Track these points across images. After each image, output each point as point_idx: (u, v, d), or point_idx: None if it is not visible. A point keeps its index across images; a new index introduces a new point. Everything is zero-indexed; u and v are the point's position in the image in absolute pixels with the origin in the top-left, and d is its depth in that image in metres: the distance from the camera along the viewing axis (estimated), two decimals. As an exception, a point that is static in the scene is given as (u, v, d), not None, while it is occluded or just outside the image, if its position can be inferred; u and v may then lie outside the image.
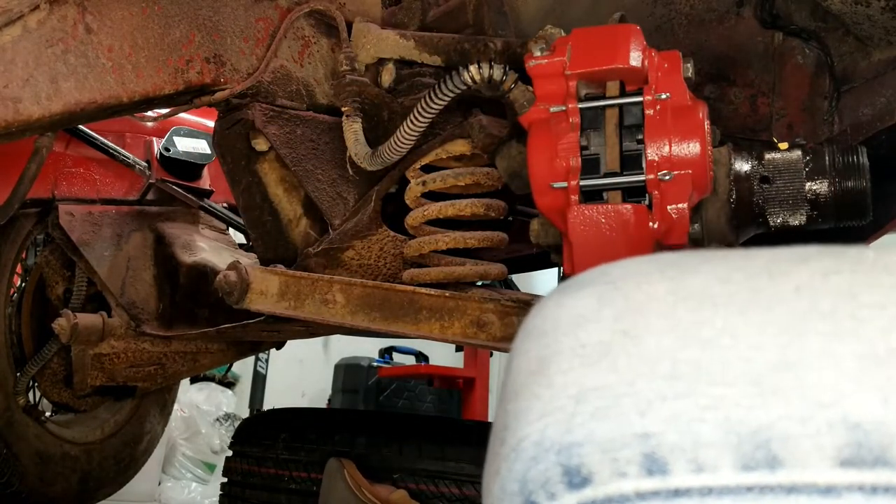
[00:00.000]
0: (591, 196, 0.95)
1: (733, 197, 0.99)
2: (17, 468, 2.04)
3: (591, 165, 0.96)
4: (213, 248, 1.92)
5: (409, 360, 5.58)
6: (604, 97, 0.97)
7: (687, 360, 0.33)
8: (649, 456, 0.31)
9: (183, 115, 1.99)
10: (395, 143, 1.17)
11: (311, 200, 1.31)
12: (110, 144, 1.97)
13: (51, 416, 2.23)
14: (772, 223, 0.99)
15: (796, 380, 0.31)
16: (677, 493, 0.31)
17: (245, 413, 4.49)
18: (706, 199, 0.98)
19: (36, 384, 2.13)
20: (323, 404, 5.36)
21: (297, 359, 5.49)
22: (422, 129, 1.16)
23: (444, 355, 5.80)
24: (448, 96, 1.11)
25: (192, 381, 4.29)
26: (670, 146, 0.93)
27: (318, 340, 5.58)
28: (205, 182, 2.11)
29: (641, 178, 0.93)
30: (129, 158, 1.99)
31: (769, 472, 0.30)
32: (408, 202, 1.27)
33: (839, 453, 0.29)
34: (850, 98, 1.12)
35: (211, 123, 1.48)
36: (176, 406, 3.10)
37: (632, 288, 0.37)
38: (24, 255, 2.12)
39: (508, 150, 1.17)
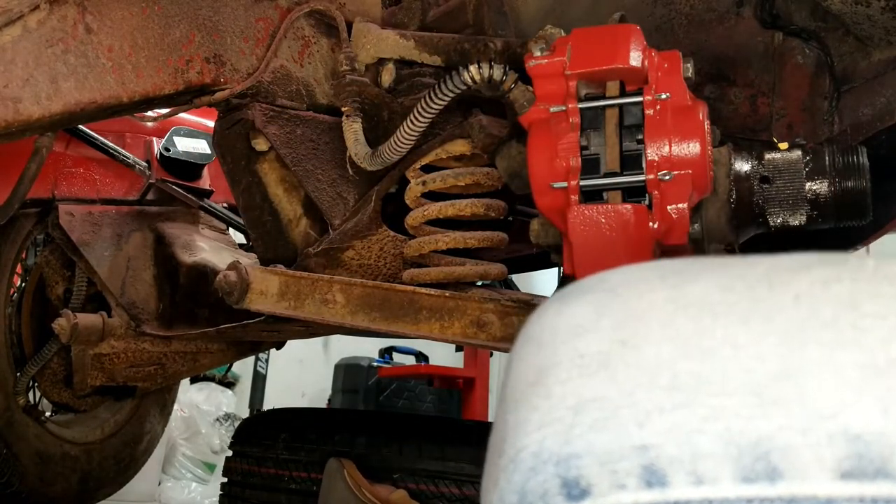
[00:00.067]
0: (591, 196, 0.95)
1: (733, 197, 0.99)
2: (17, 468, 2.04)
3: (591, 165, 0.96)
4: (213, 248, 1.92)
5: (409, 360, 5.58)
6: (604, 97, 0.97)
7: (686, 371, 0.32)
8: (648, 468, 0.31)
9: (183, 115, 1.99)
10: (395, 143, 1.17)
11: (311, 200, 1.31)
12: (110, 144, 1.97)
13: (51, 416, 2.23)
14: (772, 223, 0.99)
15: (797, 390, 0.31)
16: None
17: (245, 413, 4.49)
18: (706, 199, 0.98)
19: (36, 384, 2.13)
20: (323, 404, 5.36)
21: (297, 359, 5.49)
22: (422, 129, 1.16)
23: (444, 355, 5.80)
24: (448, 96, 1.11)
25: (192, 381, 4.29)
26: (670, 146, 0.93)
27: (318, 340, 5.58)
28: (205, 182, 2.11)
29: (641, 178, 0.93)
30: (129, 158, 1.99)
31: (769, 484, 0.30)
32: (408, 202, 1.27)
33: (840, 465, 0.29)
34: (850, 98, 1.12)
35: (211, 123, 1.48)
36: (176, 406, 3.10)
37: (631, 296, 0.36)
38: (24, 255, 2.12)
39: (508, 150, 1.17)
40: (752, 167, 0.99)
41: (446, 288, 1.20)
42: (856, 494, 0.29)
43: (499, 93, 1.10)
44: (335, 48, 1.36)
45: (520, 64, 1.03)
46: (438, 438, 1.76)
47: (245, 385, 4.96)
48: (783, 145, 1.00)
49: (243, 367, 4.89)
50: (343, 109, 1.25)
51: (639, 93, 0.95)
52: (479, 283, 1.33)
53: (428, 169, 1.25)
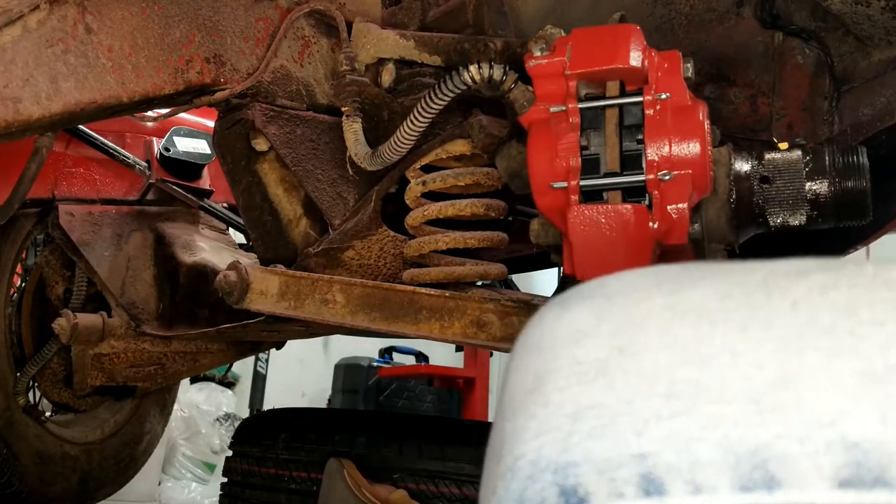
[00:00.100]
0: (591, 196, 0.95)
1: (733, 197, 0.99)
2: (17, 468, 2.04)
3: (591, 165, 0.96)
4: (213, 248, 1.92)
5: (409, 360, 5.58)
6: (604, 97, 0.97)
7: (685, 378, 0.32)
8: (646, 476, 0.31)
9: (183, 115, 1.99)
10: (395, 143, 1.17)
11: (311, 200, 1.31)
12: (110, 144, 1.97)
13: (51, 416, 2.23)
14: (772, 223, 0.99)
15: (795, 397, 0.31)
16: None
17: (245, 413, 4.49)
18: (706, 199, 0.98)
19: (36, 384, 2.13)
20: (323, 404, 5.36)
21: (297, 359, 5.49)
22: (422, 129, 1.16)
23: (444, 355, 5.80)
24: (448, 96, 1.11)
25: (192, 381, 4.29)
26: (670, 146, 0.93)
27: (318, 340, 5.58)
28: (205, 182, 2.11)
29: (641, 178, 0.93)
30: (129, 158, 1.99)
31: (767, 492, 0.30)
32: (408, 202, 1.27)
33: (838, 473, 0.29)
34: (850, 98, 1.12)
35: (211, 123, 1.48)
36: (176, 406, 3.10)
37: (629, 303, 0.36)
38: (24, 255, 2.12)
39: (508, 150, 1.17)
40: (752, 167, 0.99)
41: (446, 288, 1.20)
42: (854, 503, 0.29)
43: (499, 93, 1.10)
44: (335, 48, 1.36)
45: (520, 64, 1.03)
46: (438, 438, 1.76)
47: (245, 385, 4.96)
48: (783, 145, 1.00)
49: (243, 367, 4.89)
50: (343, 109, 1.25)
51: (639, 93, 0.95)
52: (479, 283, 1.33)
53: (428, 169, 1.25)
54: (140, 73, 1.15)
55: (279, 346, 2.28)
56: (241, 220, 1.83)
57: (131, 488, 2.56)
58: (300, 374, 5.62)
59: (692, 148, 0.93)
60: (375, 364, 5.23)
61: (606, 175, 0.95)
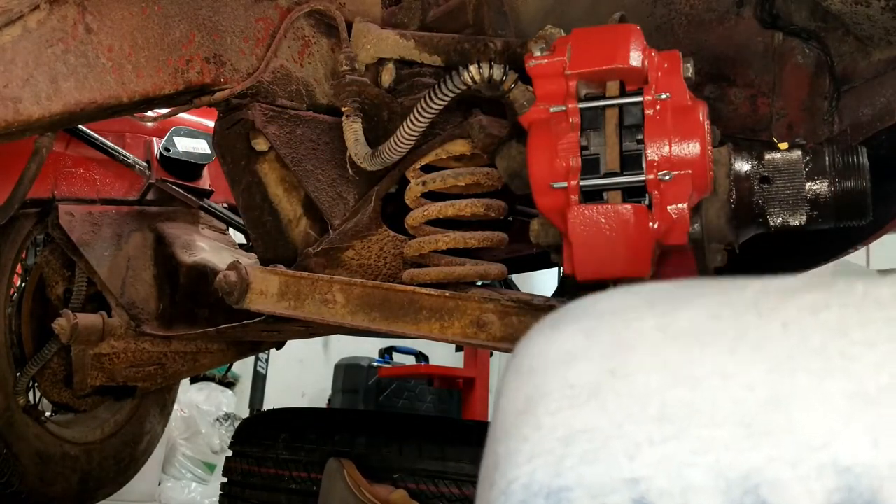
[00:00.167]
0: (591, 196, 0.95)
1: (733, 197, 0.99)
2: (17, 468, 2.04)
3: (591, 165, 0.96)
4: (213, 248, 1.92)
5: (409, 360, 5.58)
6: (604, 97, 0.97)
7: (676, 401, 0.32)
8: (639, 501, 0.31)
9: (183, 115, 1.99)
10: (395, 143, 1.17)
11: (311, 200, 1.31)
12: (110, 144, 1.97)
13: (51, 416, 2.23)
14: (772, 223, 0.99)
15: (786, 420, 0.31)
16: None
17: (245, 413, 4.49)
18: (706, 199, 0.98)
19: (36, 384, 2.13)
20: (323, 404, 5.36)
21: (297, 359, 5.49)
22: (422, 129, 1.16)
23: (444, 355, 5.80)
24: (448, 96, 1.11)
25: (192, 381, 4.29)
26: (670, 146, 0.93)
27: (318, 340, 5.58)
28: (205, 182, 2.11)
29: (641, 178, 0.93)
30: (129, 158, 1.99)
31: None
32: (408, 202, 1.27)
33: (829, 498, 0.29)
34: (850, 98, 1.12)
35: (211, 123, 1.48)
36: (176, 406, 3.10)
37: (620, 324, 0.36)
38: (24, 255, 2.12)
39: (508, 150, 1.17)
40: (752, 167, 0.99)
41: (446, 288, 1.20)
42: None
43: (499, 93, 1.10)
44: (335, 48, 1.36)
45: (520, 64, 1.03)
46: (438, 438, 1.76)
47: (245, 385, 4.97)
48: (783, 145, 1.00)
49: (243, 367, 4.89)
50: (343, 109, 1.25)
51: (639, 93, 0.95)
52: (479, 283, 1.33)
53: (428, 169, 1.25)
54: (140, 73, 1.15)
55: (279, 346, 2.28)
56: (241, 220, 1.83)
57: (131, 488, 2.56)
58: (300, 374, 5.62)
59: (692, 148, 0.93)
60: (375, 364, 5.23)
61: (606, 175, 0.95)
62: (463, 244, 1.23)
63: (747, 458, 0.30)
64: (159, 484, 3.73)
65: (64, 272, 2.07)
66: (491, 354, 5.04)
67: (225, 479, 2.01)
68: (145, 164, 2.01)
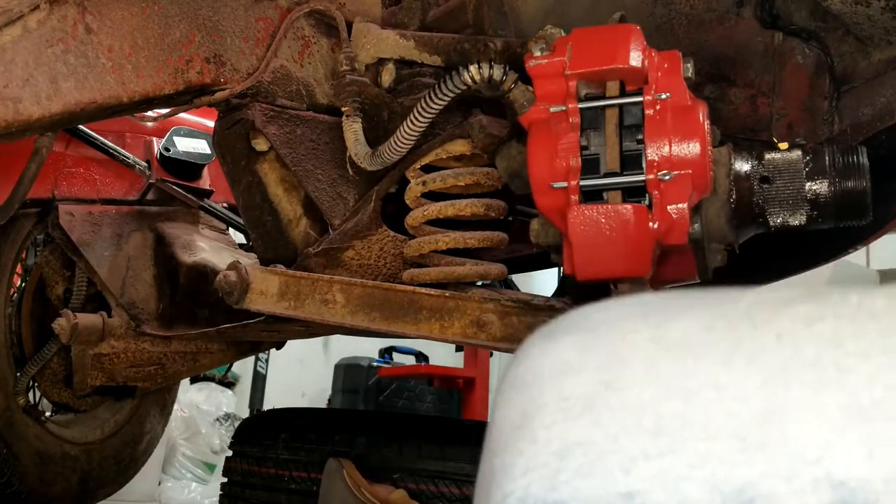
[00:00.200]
0: (591, 196, 0.95)
1: (733, 197, 0.99)
2: (17, 468, 2.04)
3: (591, 165, 0.96)
4: (213, 248, 1.92)
5: (409, 360, 5.58)
6: (604, 97, 0.97)
7: (671, 414, 0.32)
8: None
9: (183, 115, 1.99)
10: (395, 143, 1.17)
11: (311, 200, 1.31)
12: (110, 144, 1.97)
13: (51, 416, 2.23)
14: (772, 223, 0.99)
15: (780, 433, 0.31)
16: None
17: (245, 413, 4.49)
18: (706, 199, 0.98)
19: (36, 384, 2.13)
20: (323, 404, 5.36)
21: (297, 359, 5.49)
22: (422, 129, 1.16)
23: (444, 355, 5.80)
24: (448, 96, 1.11)
25: (192, 381, 4.29)
26: (670, 146, 0.93)
27: (318, 340, 5.58)
28: (205, 182, 2.11)
29: (641, 178, 0.93)
30: (129, 158, 1.99)
31: None
32: (408, 202, 1.27)
33: None
34: (850, 98, 1.12)
35: (211, 123, 1.48)
36: (176, 406, 3.10)
37: (614, 336, 0.36)
38: (24, 255, 2.12)
39: (508, 150, 1.17)
40: (752, 167, 0.99)
41: (446, 288, 1.20)
42: None
43: (499, 93, 1.10)
44: (335, 48, 1.36)
45: (520, 64, 1.03)
46: (438, 438, 1.76)
47: (245, 385, 4.97)
48: (783, 145, 1.00)
49: (243, 367, 4.89)
50: (343, 109, 1.25)
51: (639, 93, 0.95)
52: (479, 283, 1.33)
53: (428, 169, 1.25)
54: (140, 73, 1.15)
55: (279, 346, 2.28)
56: (241, 220, 1.83)
57: (131, 488, 2.56)
58: (300, 374, 5.62)
59: (692, 148, 0.93)
60: (375, 364, 5.23)
61: (606, 175, 0.95)
62: (463, 244, 1.23)
63: (742, 471, 0.30)
64: (159, 484, 3.73)
65: (64, 272, 2.07)
66: (491, 354, 5.04)
67: (225, 479, 2.01)
68: (145, 164, 2.01)
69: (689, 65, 0.96)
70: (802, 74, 1.14)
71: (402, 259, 1.31)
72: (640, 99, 0.95)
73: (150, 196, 2.02)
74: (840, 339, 0.33)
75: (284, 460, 1.86)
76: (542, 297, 1.19)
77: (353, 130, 1.23)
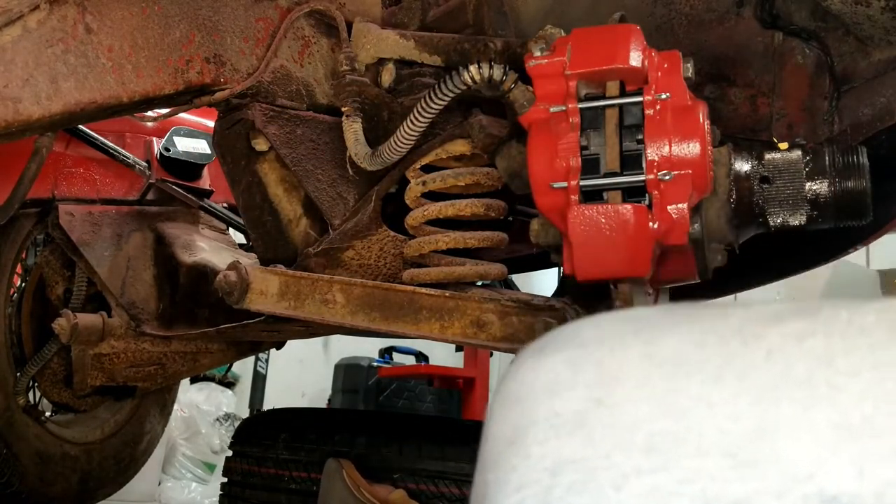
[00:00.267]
0: (591, 196, 0.95)
1: (733, 197, 0.99)
2: (17, 468, 2.04)
3: (591, 165, 0.96)
4: (213, 248, 1.92)
5: (409, 360, 5.58)
6: (604, 97, 0.97)
7: (662, 431, 0.32)
8: None
9: (183, 115, 1.99)
10: (395, 142, 1.17)
11: (311, 200, 1.31)
12: (110, 144, 1.97)
13: (51, 416, 2.23)
14: (772, 223, 0.99)
15: (771, 451, 0.31)
16: None
17: (245, 413, 4.49)
18: (706, 199, 0.98)
19: (36, 384, 2.13)
20: (323, 404, 5.36)
21: (297, 359, 5.49)
22: (422, 129, 1.16)
23: (444, 355, 5.80)
24: (448, 96, 1.11)
25: (192, 381, 4.29)
26: (670, 146, 0.93)
27: (318, 340, 5.58)
28: (205, 182, 2.11)
29: (641, 178, 0.93)
30: (129, 158, 1.99)
31: None
32: (408, 202, 1.27)
33: None
34: (850, 98, 1.12)
35: (211, 123, 1.48)
36: (176, 406, 3.10)
37: (605, 352, 0.36)
38: (24, 255, 2.12)
39: (508, 150, 1.17)
40: (752, 167, 0.99)
41: (446, 288, 1.20)
42: None
43: (499, 93, 1.10)
44: (335, 48, 1.36)
45: (520, 64, 1.03)
46: (438, 438, 1.76)
47: (245, 385, 4.97)
48: (783, 145, 1.00)
49: (243, 367, 4.89)
50: (343, 109, 1.25)
51: (639, 93, 0.95)
52: (479, 283, 1.33)
53: (428, 169, 1.25)
54: (140, 73, 1.15)
55: (279, 346, 2.28)
56: (241, 220, 1.83)
57: (131, 488, 2.56)
58: (300, 374, 5.62)
59: (692, 148, 0.93)
60: (375, 364, 5.23)
61: (606, 175, 0.95)
62: (463, 244, 1.23)
63: (733, 488, 0.30)
64: (159, 484, 3.73)
65: (64, 272, 2.07)
66: (491, 354, 5.04)
67: (225, 479, 2.01)
68: (145, 164, 2.01)
69: (689, 65, 0.96)
70: (802, 74, 1.14)
71: (402, 259, 1.31)
72: (640, 99, 0.95)
73: (150, 196, 2.02)
74: (831, 356, 0.33)
75: (284, 460, 1.86)
76: (542, 297, 1.19)
77: (353, 130, 1.23)
